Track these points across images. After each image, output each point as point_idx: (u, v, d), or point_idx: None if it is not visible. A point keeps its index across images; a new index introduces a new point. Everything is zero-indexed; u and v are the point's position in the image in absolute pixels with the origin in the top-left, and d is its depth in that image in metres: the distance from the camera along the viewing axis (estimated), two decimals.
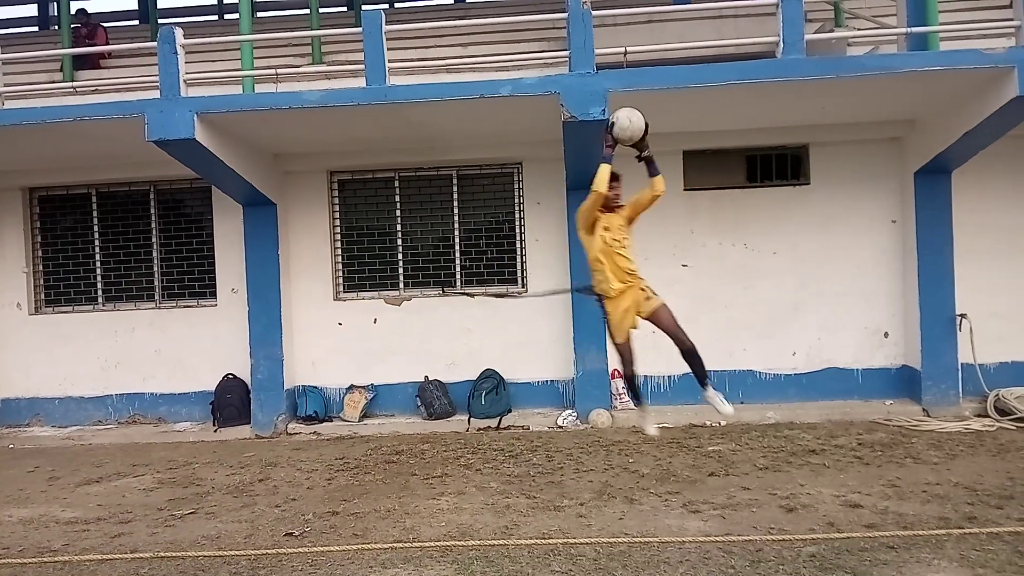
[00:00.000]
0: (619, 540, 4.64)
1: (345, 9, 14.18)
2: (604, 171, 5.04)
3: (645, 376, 8.37)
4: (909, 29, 7.28)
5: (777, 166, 8.50)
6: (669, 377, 8.38)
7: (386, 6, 15.28)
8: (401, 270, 8.86)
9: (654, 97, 6.78)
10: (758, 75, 6.54)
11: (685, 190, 8.47)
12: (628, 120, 4.95)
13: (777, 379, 8.36)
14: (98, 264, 9.14)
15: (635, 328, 5.21)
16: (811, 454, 6.46)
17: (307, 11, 11.41)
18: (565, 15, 6.87)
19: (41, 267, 9.25)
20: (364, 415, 8.50)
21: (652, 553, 4.42)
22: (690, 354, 5.17)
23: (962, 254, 7.94)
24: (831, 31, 9.26)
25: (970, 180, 8.02)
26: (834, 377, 8.33)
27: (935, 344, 7.90)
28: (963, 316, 7.90)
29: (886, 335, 8.35)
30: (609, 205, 5.22)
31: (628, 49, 7.40)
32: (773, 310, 8.41)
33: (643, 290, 5.18)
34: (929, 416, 7.69)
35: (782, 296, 8.41)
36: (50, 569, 4.60)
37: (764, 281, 8.41)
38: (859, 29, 9.42)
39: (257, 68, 8.13)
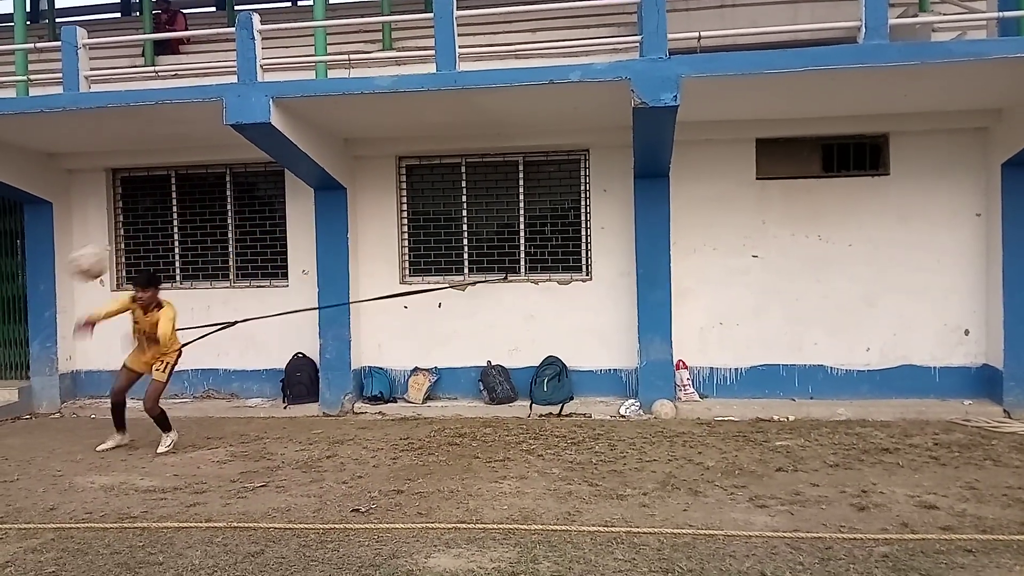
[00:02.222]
0: (683, 531, 4.59)
1: None
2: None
3: (711, 368, 8.30)
4: (1000, 13, 6.94)
5: (855, 156, 8.23)
6: (736, 370, 8.25)
7: None
8: (466, 255, 8.92)
9: (727, 83, 6.66)
10: (838, 61, 6.33)
11: (757, 179, 8.29)
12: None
13: (849, 375, 8.14)
14: (176, 243, 9.47)
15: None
16: (884, 452, 6.27)
17: None
18: (637, 0, 6.77)
19: (123, 245, 9.63)
20: (427, 397, 8.63)
21: (717, 546, 4.36)
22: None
23: None
24: (915, 15, 8.90)
25: None
26: (910, 375, 8.06)
27: (1019, 343, 7.57)
28: None
29: (966, 333, 8.04)
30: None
31: (702, 34, 7.25)
32: (846, 304, 8.17)
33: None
34: (1011, 418, 7.38)
35: (856, 290, 8.16)
36: (129, 535, 4.79)
37: (837, 274, 8.18)
38: (945, 14, 9.04)
39: (330, 54, 8.27)
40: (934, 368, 8.07)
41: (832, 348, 8.21)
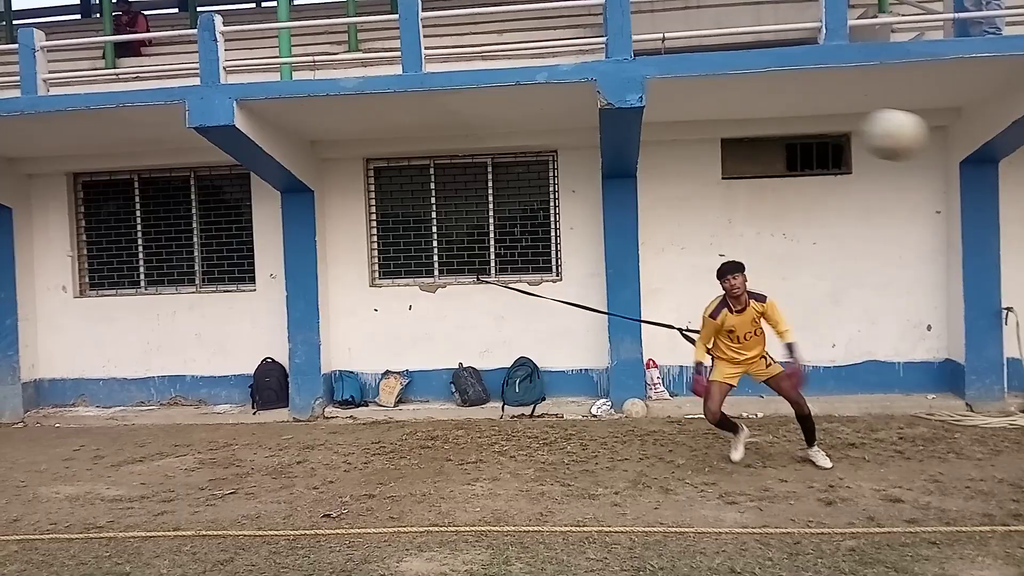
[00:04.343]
0: (654, 530, 4.63)
1: None
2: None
3: (681, 366, 8.36)
4: (956, 15, 7.10)
5: (818, 155, 8.35)
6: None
7: None
8: (436, 257, 8.90)
9: (692, 84, 6.72)
10: (799, 62, 6.42)
11: (723, 179, 8.37)
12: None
13: (815, 371, 8.23)
14: (140, 249, 9.31)
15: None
16: (850, 447, 6.37)
17: None
18: (602, 1, 6.81)
19: (85, 251, 9.45)
20: (399, 400, 8.58)
21: (688, 543, 4.40)
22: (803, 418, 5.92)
23: (1009, 246, 7.74)
24: (874, 17, 9.06)
25: (1018, 170, 7.81)
26: (874, 370, 8.20)
27: (979, 338, 7.73)
28: (1009, 309, 7.71)
29: (929, 328, 8.19)
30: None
31: (666, 35, 7.31)
32: (812, 301, 8.27)
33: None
34: (973, 411, 7.54)
35: (821, 287, 8.28)
36: (96, 545, 4.72)
37: (803, 272, 8.29)
38: (903, 15, 9.22)
39: (294, 56, 8.20)
40: (898, 363, 8.22)
41: (799, 345, 8.28)
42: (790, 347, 5.71)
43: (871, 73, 6.56)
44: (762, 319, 5.78)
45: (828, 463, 5.81)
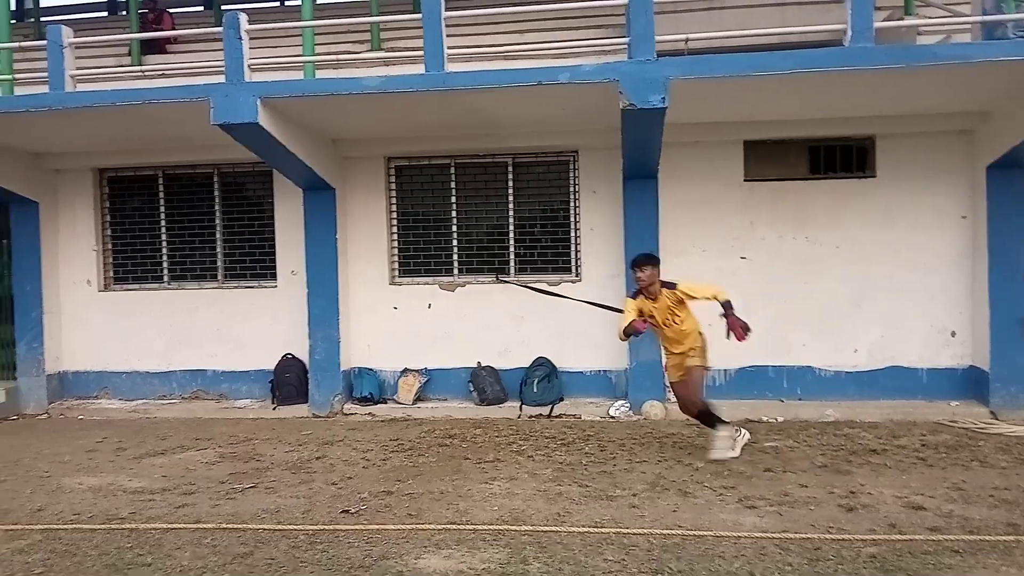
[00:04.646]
0: (673, 532, 4.60)
1: None
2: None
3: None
4: (985, 17, 7.01)
5: (841, 158, 8.28)
6: (725, 371, 8.27)
7: None
8: (456, 256, 8.92)
9: (715, 85, 6.69)
10: (825, 64, 6.36)
11: (745, 181, 8.32)
12: None
13: (837, 376, 8.18)
14: (164, 244, 9.42)
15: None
16: (872, 453, 6.31)
17: None
18: (625, 2, 6.79)
19: (110, 246, 9.57)
20: (418, 398, 8.61)
21: (707, 547, 4.38)
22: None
23: None
24: (900, 19, 8.97)
25: None
26: (897, 376, 8.11)
27: (1005, 345, 7.62)
28: None
29: (953, 334, 8.10)
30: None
31: (690, 36, 7.27)
32: (834, 305, 8.21)
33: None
34: (997, 419, 7.44)
35: (844, 291, 8.20)
36: (118, 536, 4.76)
37: (825, 275, 8.22)
38: (930, 17, 9.11)
39: (318, 54, 8.24)
40: (921, 369, 8.13)
41: (820, 349, 8.26)
42: (725, 305, 6.05)
43: (897, 76, 6.49)
44: (688, 303, 6.18)
45: (725, 455, 6.10)
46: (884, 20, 8.79)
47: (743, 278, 8.26)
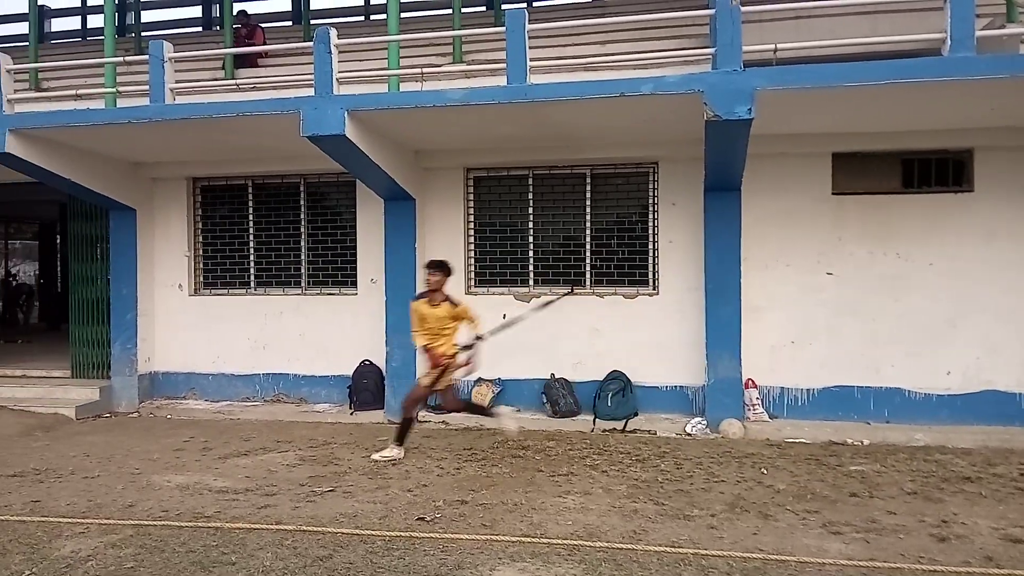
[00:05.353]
0: (753, 556, 4.47)
1: (484, 8, 14.41)
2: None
3: (782, 388, 8.10)
4: None
5: (936, 171, 7.94)
6: (808, 391, 8.02)
7: (525, 5, 15.39)
8: (531, 267, 8.93)
9: (804, 96, 6.52)
10: (923, 74, 6.12)
11: (833, 194, 8.07)
12: None
13: (928, 399, 7.81)
14: (251, 251, 9.75)
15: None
16: (965, 481, 5.99)
17: (448, 11, 11.72)
18: (710, 12, 6.68)
19: (201, 252, 9.97)
20: (491, 408, 8.62)
21: (789, 572, 4.24)
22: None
23: None
24: (1002, 27, 8.54)
25: None
26: (993, 401, 7.70)
27: None
28: None
29: None
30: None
31: (778, 46, 7.09)
32: (926, 325, 7.86)
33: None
34: None
35: (937, 311, 7.85)
36: (203, 534, 4.93)
37: (917, 294, 7.88)
38: None
39: (402, 67, 8.40)
40: (1020, 394, 7.70)
41: (910, 371, 7.90)
42: (478, 337, 6.77)
43: (999, 86, 6.19)
44: (458, 321, 6.74)
45: (512, 425, 7.01)
46: (984, 28, 8.39)
47: (829, 294, 8.00)
